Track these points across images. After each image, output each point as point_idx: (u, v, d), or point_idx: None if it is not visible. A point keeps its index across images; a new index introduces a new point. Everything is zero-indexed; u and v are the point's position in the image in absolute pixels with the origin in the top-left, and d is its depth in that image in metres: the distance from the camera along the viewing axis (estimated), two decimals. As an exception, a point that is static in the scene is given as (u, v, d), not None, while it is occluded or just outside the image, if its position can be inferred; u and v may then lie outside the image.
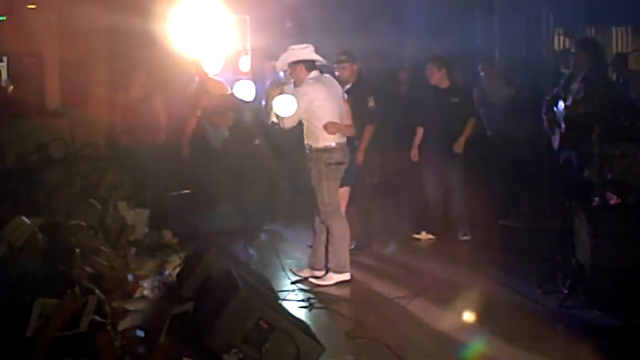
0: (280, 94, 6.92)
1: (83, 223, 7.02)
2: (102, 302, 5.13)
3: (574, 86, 7.47)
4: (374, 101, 8.02)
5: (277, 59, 7.33)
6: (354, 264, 7.23)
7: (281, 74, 7.72)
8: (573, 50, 7.92)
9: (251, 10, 9.88)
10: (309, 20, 10.95)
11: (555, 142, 7.83)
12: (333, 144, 6.98)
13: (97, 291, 5.33)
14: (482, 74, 10.26)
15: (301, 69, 7.00)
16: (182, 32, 8.91)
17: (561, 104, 7.56)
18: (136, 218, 8.29)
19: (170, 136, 9.13)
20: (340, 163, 7.01)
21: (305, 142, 7.07)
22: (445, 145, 8.35)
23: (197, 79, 8.98)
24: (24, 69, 10.39)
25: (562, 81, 7.79)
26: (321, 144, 6.97)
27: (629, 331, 5.40)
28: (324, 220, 7.06)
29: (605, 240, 5.85)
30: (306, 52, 7.03)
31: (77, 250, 6.13)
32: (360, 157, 7.84)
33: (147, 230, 8.32)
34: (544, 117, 7.90)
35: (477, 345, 5.35)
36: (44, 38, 10.35)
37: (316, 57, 7.05)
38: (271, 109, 7.01)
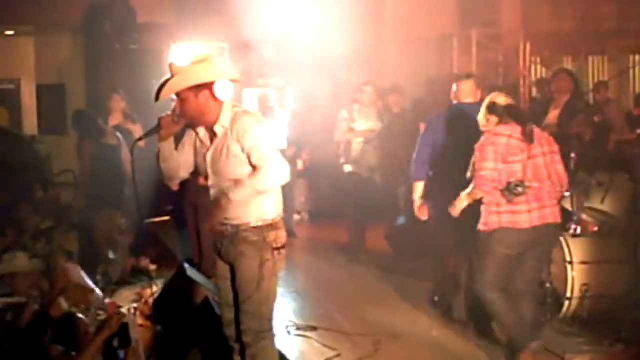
0: None
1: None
2: None
3: (555, 112, 7.46)
4: None
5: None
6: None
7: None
8: (552, 78, 7.95)
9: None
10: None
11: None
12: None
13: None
14: None
15: None
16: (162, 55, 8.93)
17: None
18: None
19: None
20: None
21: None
22: None
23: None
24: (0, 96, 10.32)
25: (541, 107, 7.80)
26: None
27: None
28: None
29: (581, 267, 5.91)
30: None
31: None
32: None
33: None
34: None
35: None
36: (21, 64, 10.30)
37: None
38: None
